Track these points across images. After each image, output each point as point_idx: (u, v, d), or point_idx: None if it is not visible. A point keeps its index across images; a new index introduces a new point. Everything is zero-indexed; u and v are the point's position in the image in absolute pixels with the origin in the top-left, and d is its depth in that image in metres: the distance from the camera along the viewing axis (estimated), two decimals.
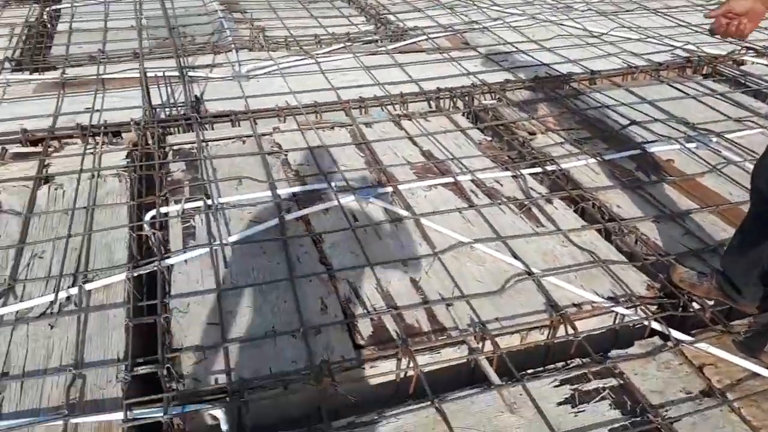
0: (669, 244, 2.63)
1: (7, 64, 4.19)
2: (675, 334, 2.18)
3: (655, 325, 2.23)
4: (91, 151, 3.19)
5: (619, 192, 2.99)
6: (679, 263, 2.42)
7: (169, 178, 3.02)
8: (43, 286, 2.29)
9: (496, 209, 2.85)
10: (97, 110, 3.66)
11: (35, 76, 4.11)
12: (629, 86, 4.19)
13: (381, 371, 2.05)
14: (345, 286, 2.36)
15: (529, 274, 2.43)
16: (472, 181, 3.07)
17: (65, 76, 4.08)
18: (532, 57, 4.63)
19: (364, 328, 2.17)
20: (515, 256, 2.52)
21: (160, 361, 1.93)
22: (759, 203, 2.01)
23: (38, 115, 3.54)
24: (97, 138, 3.37)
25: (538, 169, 3.17)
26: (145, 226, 2.59)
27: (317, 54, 4.60)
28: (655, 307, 2.35)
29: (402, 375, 2.07)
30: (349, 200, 2.85)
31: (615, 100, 3.95)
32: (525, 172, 3.14)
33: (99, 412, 1.81)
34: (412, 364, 2.01)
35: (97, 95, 3.85)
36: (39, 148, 3.23)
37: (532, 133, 3.59)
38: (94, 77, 4.04)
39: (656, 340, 2.20)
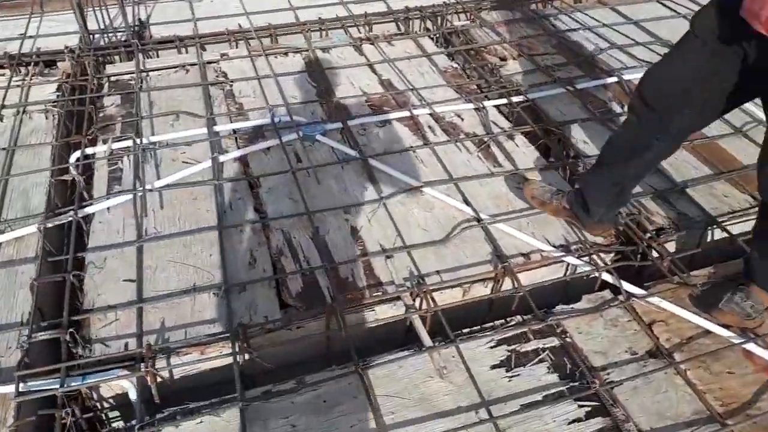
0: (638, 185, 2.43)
1: None
2: (627, 286, 2.02)
3: (607, 277, 2.07)
4: (18, 83, 2.94)
5: (589, 126, 2.75)
6: (535, 181, 2.34)
7: (101, 114, 2.78)
8: None
9: (452, 147, 2.63)
10: (32, 36, 3.36)
11: None
12: (616, 4, 3.83)
13: (308, 332, 1.91)
14: (278, 236, 2.19)
15: (478, 220, 2.25)
16: (431, 115, 2.83)
17: None
18: None
19: (294, 284, 2.01)
20: (466, 201, 2.33)
21: (64, 325, 1.78)
22: (645, 113, 1.82)
23: None
24: (28, 68, 3.10)
25: (504, 101, 2.91)
26: (71, 169, 2.39)
27: None
28: (611, 255, 2.18)
29: (330, 337, 1.94)
30: (292, 138, 2.62)
31: (597, 21, 3.61)
32: (488, 104, 2.89)
33: None
34: (341, 325, 1.87)
35: (34, 18, 3.53)
36: None
37: (503, 59, 3.30)
38: None
39: (606, 294, 2.05)
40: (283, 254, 2.12)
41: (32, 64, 3.10)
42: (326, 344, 1.95)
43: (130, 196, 2.28)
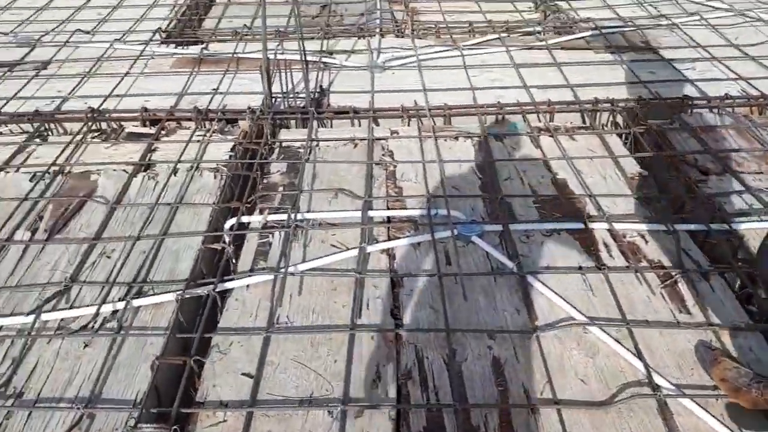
0: None
1: (156, 36, 4.25)
2: None
3: None
4: (199, 138, 3.07)
5: None
6: (730, 358, 1.83)
7: (265, 181, 2.80)
8: (97, 293, 2.18)
9: (630, 278, 2.23)
10: (222, 93, 3.55)
11: (178, 50, 4.12)
12: None
13: None
14: (410, 353, 1.96)
15: (654, 388, 1.83)
16: (609, 230, 2.45)
17: (205, 52, 4.03)
18: (727, 67, 3.70)
19: (416, 420, 1.76)
20: (639, 354, 1.92)
21: (171, 418, 1.69)
22: None
23: (165, 93, 3.51)
24: (212, 123, 3.25)
25: (701, 227, 2.45)
26: (224, 237, 2.39)
27: (465, 45, 4.10)
28: None
29: None
30: (446, 236, 2.40)
31: None
32: (682, 228, 2.45)
33: None
34: None
35: (228, 75, 3.75)
36: (153, 130, 3.19)
37: (705, 173, 2.82)
38: (230, 55, 3.94)
39: None
40: (411, 377, 1.88)
41: (216, 120, 3.24)
42: None
43: (271, 276, 2.20)
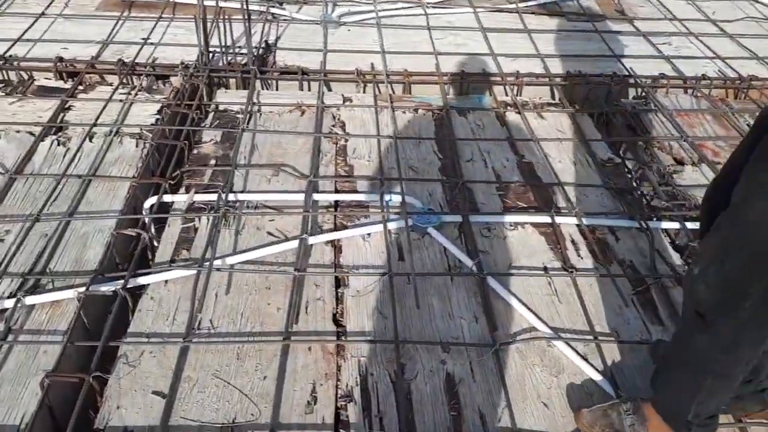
0: None
1: None
2: None
3: None
4: (122, 97, 2.67)
5: None
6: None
7: (195, 151, 2.44)
8: None
9: (602, 283, 2.02)
10: (153, 43, 3.12)
11: None
12: None
13: None
14: (352, 369, 1.70)
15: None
16: (578, 226, 2.23)
17: None
18: (704, 43, 3.49)
19: None
20: (611, 375, 1.72)
21: None
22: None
23: (86, 41, 3.06)
24: (140, 78, 2.84)
25: (675, 225, 2.25)
26: (144, 220, 2.05)
27: (429, 3, 3.75)
28: None
29: None
30: (398, 227, 2.13)
31: None
32: (656, 226, 2.24)
33: None
34: None
35: (161, 23, 3.31)
36: (69, 84, 2.76)
37: (680, 162, 2.62)
38: None
39: None
40: (352, 399, 1.63)
41: (144, 75, 2.84)
42: None
43: (194, 271, 1.89)
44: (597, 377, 1.72)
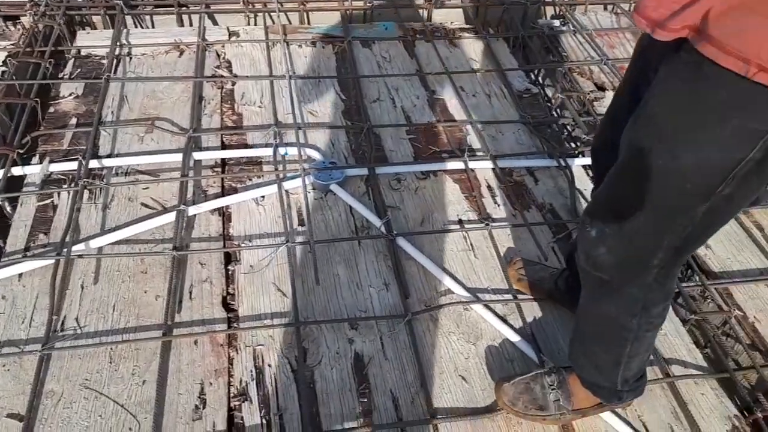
0: None
1: None
2: None
3: None
4: None
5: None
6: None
7: (51, 110, 2.07)
8: None
9: (519, 231, 1.86)
10: None
11: None
12: None
13: None
14: (246, 360, 1.49)
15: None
16: (493, 170, 2.04)
17: None
18: None
19: None
20: (531, 336, 1.59)
21: None
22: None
23: None
24: None
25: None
26: (6, 203, 1.72)
27: None
28: None
29: None
30: (297, 185, 1.88)
31: None
32: (576, 162, 2.09)
33: None
34: None
35: None
36: None
37: (601, 87, 2.46)
38: None
39: None
40: (246, 397, 1.43)
41: None
42: None
43: (52, 260, 1.60)
44: (517, 339, 1.59)
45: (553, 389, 1.37)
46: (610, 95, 2.41)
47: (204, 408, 1.40)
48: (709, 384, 1.56)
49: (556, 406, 1.36)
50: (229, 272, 1.67)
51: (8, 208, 1.78)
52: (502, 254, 1.78)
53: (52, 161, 1.85)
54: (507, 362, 1.56)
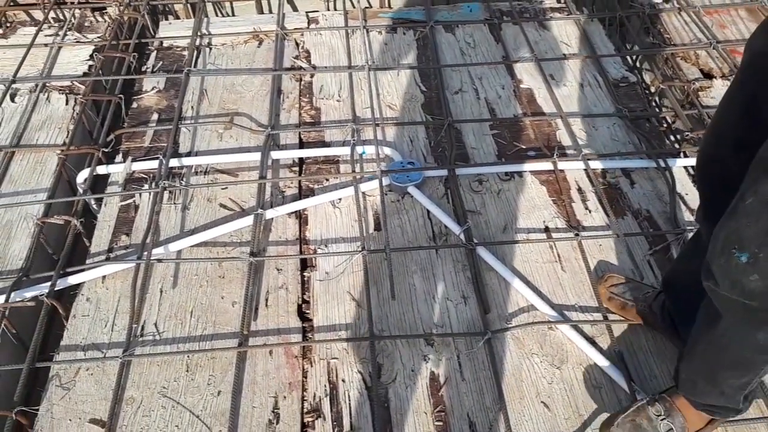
0: None
1: None
2: None
3: None
4: (48, 40, 2.28)
5: None
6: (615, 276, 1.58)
7: (134, 106, 2.09)
8: None
9: (611, 242, 1.72)
10: None
11: None
12: None
13: None
14: (320, 374, 1.46)
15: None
16: (585, 170, 1.89)
17: None
18: None
19: None
20: (621, 362, 1.47)
21: None
22: None
23: None
24: (72, 12, 2.42)
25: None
26: (91, 200, 1.76)
27: None
28: None
29: None
30: (373, 188, 1.82)
31: None
32: (677, 164, 1.90)
33: None
34: None
35: None
36: None
37: (708, 75, 2.22)
38: None
39: None
40: (320, 414, 1.40)
41: (75, 7, 2.42)
42: None
43: (132, 264, 1.62)
44: (606, 364, 1.47)
45: (662, 419, 1.26)
46: (718, 84, 2.17)
47: (277, 423, 1.39)
48: None
49: None
50: (305, 278, 1.64)
51: (94, 206, 1.82)
52: (592, 267, 1.65)
53: (134, 160, 1.87)
54: (594, 389, 1.45)
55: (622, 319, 1.54)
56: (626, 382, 1.43)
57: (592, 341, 1.52)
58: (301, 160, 1.93)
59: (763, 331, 1.04)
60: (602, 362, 1.47)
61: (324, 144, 1.96)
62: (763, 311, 0.98)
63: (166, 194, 1.80)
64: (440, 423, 1.39)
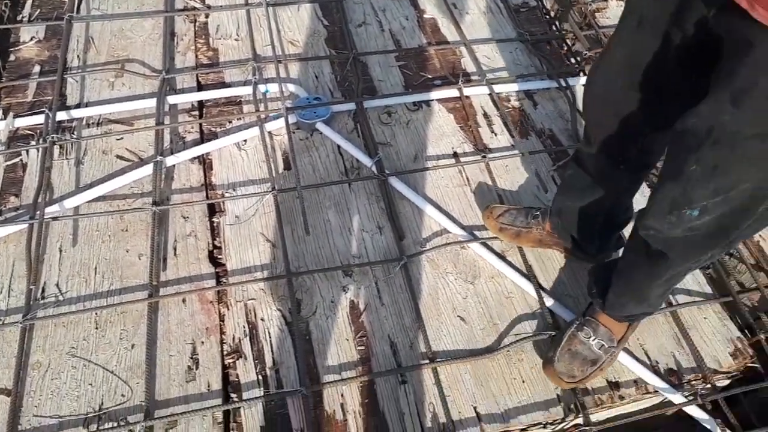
0: None
1: None
2: None
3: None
4: None
5: None
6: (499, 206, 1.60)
7: (11, 58, 1.92)
8: None
9: (517, 162, 1.76)
10: None
11: None
12: None
13: None
14: (238, 316, 1.44)
15: (551, 322, 1.46)
16: (490, 95, 1.91)
17: None
18: None
19: (251, 419, 1.31)
20: (529, 274, 1.52)
21: None
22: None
23: None
24: None
25: None
26: None
27: None
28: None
29: None
30: (280, 126, 1.77)
31: None
32: (578, 83, 1.95)
33: None
34: None
35: None
36: None
37: None
38: None
39: None
40: (241, 354, 1.39)
41: None
42: None
43: (25, 225, 1.52)
44: (516, 276, 1.52)
45: (593, 339, 1.32)
46: (613, 4, 2.23)
47: (197, 368, 1.36)
48: (712, 308, 1.52)
49: (604, 350, 1.32)
50: (214, 224, 1.59)
51: None
52: (500, 186, 1.69)
53: (16, 116, 1.73)
54: (506, 299, 1.50)
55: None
56: (535, 290, 1.49)
57: (502, 256, 1.56)
58: (201, 104, 1.84)
59: (683, 260, 1.09)
60: (512, 274, 1.53)
61: (224, 85, 1.88)
62: (703, 235, 1.01)
63: (56, 150, 1.68)
64: (362, 347, 1.41)
